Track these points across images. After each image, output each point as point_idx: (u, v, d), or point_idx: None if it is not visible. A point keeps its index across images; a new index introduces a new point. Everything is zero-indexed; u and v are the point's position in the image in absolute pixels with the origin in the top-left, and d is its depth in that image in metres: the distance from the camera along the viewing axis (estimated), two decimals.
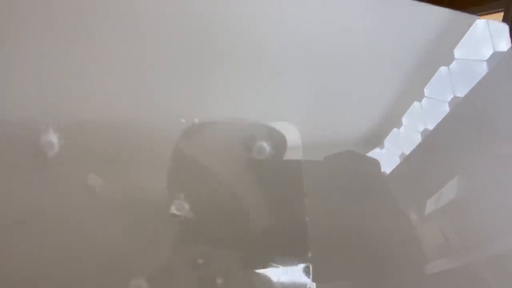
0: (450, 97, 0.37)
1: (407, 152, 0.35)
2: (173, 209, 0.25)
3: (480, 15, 2.27)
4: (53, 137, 0.23)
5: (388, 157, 0.35)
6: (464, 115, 0.38)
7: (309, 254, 0.31)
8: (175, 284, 0.25)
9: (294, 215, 0.32)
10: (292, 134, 0.31)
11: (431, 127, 0.37)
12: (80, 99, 0.25)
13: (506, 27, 0.42)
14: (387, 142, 0.35)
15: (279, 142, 0.31)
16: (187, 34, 0.27)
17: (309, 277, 0.31)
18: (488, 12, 2.23)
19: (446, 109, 0.37)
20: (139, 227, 0.25)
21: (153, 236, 0.25)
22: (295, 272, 0.31)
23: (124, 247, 0.25)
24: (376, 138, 0.34)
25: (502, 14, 2.09)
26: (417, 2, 0.38)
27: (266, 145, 0.29)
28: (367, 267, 0.35)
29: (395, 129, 0.35)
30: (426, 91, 0.37)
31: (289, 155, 0.31)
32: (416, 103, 0.36)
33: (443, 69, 0.37)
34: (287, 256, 0.31)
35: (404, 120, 0.36)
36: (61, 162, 0.24)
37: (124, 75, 0.26)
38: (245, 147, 0.28)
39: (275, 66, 0.31)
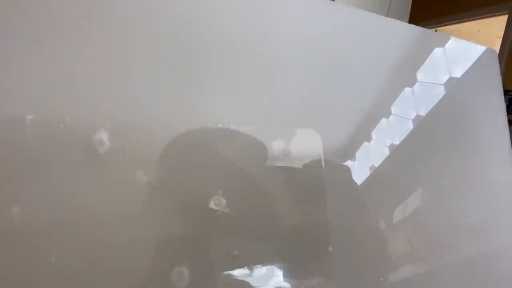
0: (413, 115, 0.40)
1: (377, 164, 0.38)
2: (212, 204, 0.27)
3: (484, 17, 2.28)
4: (104, 136, 0.25)
5: (359, 169, 0.37)
6: (427, 131, 0.41)
7: (330, 248, 0.34)
8: (213, 272, 0.28)
9: (316, 212, 0.34)
10: (315, 140, 0.34)
11: (397, 142, 0.39)
12: (129, 102, 0.27)
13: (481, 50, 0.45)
14: (358, 155, 0.37)
15: (301, 146, 0.33)
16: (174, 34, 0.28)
17: (330, 270, 0.34)
18: (492, 14, 2.24)
19: (411, 126, 0.40)
20: (182, 219, 0.27)
21: (194, 228, 0.28)
22: (317, 265, 0.33)
23: (169, 238, 0.27)
24: (348, 151, 0.37)
25: (506, 16, 2.11)
26: (388, 19, 0.40)
27: (291, 149, 0.32)
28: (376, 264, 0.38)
29: (365, 143, 0.38)
30: (393, 109, 0.40)
31: (311, 158, 0.34)
32: (384, 120, 0.39)
33: (407, 90, 0.40)
34: (311, 250, 0.33)
35: (374, 135, 0.38)
36: (111, 159, 0.26)
37: (168, 81, 0.28)
38: (273, 150, 0.31)
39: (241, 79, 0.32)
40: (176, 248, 0.27)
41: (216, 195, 0.27)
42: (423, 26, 2.26)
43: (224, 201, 0.28)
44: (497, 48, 2.24)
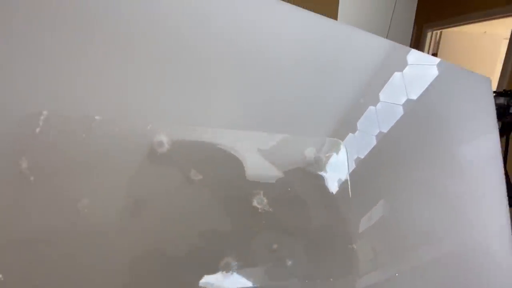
0: (376, 131, 0.42)
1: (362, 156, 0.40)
2: (255, 202, 0.31)
3: (491, 19, 2.28)
4: (164, 138, 0.29)
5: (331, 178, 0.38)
6: (392, 145, 0.43)
7: (354, 246, 0.37)
8: (256, 263, 0.31)
9: (341, 213, 0.38)
10: (341, 150, 0.37)
11: (362, 156, 0.41)
12: (185, 110, 0.31)
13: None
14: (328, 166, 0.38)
15: (330, 154, 0.37)
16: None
17: (356, 266, 0.37)
18: (499, 16, 2.25)
19: (374, 141, 0.42)
20: (229, 216, 0.31)
21: (240, 224, 0.31)
22: (343, 260, 0.37)
23: (218, 232, 0.30)
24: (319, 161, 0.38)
25: None
26: (363, 33, 0.41)
27: (322, 156, 0.35)
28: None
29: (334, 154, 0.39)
30: (359, 125, 0.41)
31: (337, 166, 0.37)
32: (351, 135, 0.41)
33: (372, 108, 0.41)
34: (337, 246, 0.37)
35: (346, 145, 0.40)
36: (168, 159, 0.29)
37: (218, 89, 0.32)
38: (305, 157, 0.35)
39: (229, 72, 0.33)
40: (224, 241, 0.30)
41: (258, 195, 0.31)
42: (429, 27, 2.26)
43: (266, 200, 0.31)
44: (503, 50, 2.25)
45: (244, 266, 0.30)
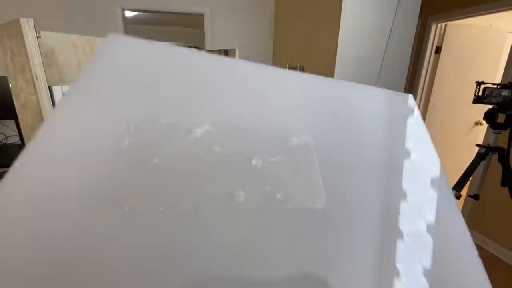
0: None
1: None
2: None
3: (496, 11, 2.25)
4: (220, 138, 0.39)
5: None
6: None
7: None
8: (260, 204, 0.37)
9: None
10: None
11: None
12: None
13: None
14: None
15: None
16: None
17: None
18: (504, 8, 2.22)
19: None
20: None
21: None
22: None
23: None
24: None
25: None
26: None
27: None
28: None
29: None
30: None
31: None
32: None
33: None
34: None
35: None
36: (227, 156, 0.38)
37: None
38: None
39: None
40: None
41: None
42: (434, 20, 2.24)
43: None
44: (508, 43, 2.23)
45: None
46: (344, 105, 0.48)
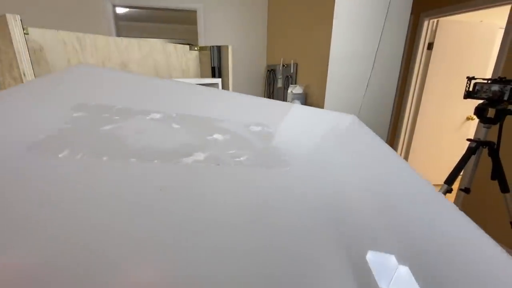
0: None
1: None
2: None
3: (487, 7, 2.28)
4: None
5: None
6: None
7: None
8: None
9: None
10: None
11: None
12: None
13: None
14: None
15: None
16: None
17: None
18: (495, 4, 2.25)
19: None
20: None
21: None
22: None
23: None
24: None
25: (509, 7, 2.12)
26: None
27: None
28: None
29: None
30: None
31: None
32: None
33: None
34: None
35: None
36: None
37: None
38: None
39: None
40: None
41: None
42: (426, 16, 2.26)
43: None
44: (499, 39, 2.26)
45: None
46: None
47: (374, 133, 0.59)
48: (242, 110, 0.59)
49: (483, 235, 0.33)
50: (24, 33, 0.86)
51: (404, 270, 0.26)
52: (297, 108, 0.66)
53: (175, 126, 0.46)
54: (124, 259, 0.23)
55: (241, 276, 0.23)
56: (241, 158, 0.41)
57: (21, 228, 0.24)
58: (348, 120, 0.64)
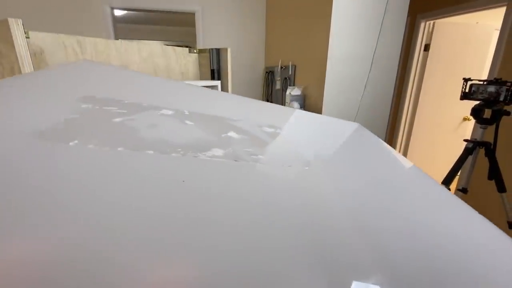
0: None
1: None
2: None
3: (482, 9, 2.30)
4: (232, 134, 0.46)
5: None
6: None
7: None
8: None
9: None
10: None
11: None
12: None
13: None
14: None
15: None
16: None
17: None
18: (490, 6, 2.28)
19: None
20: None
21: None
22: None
23: None
24: None
25: (504, 8, 2.14)
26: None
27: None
28: None
29: None
30: None
31: None
32: None
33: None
34: None
35: None
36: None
37: None
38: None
39: None
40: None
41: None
42: (422, 18, 2.28)
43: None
44: (494, 40, 2.29)
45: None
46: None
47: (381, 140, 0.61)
48: (251, 112, 0.59)
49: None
50: (25, 37, 0.87)
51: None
52: (303, 114, 0.67)
53: (189, 123, 0.46)
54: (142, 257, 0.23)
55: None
56: (259, 156, 0.41)
57: (36, 218, 0.24)
58: (353, 128, 0.65)
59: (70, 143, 0.33)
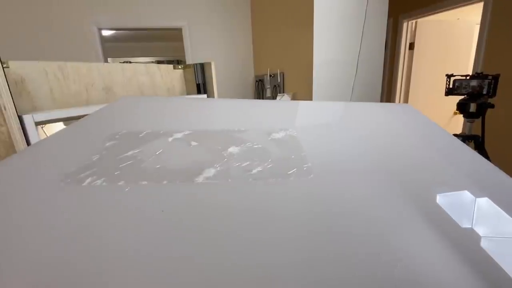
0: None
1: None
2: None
3: (462, 5, 2.35)
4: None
5: None
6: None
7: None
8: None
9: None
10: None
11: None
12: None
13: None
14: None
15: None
16: None
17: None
18: (469, 3, 2.33)
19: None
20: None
21: None
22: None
23: None
24: None
25: (482, 4, 2.19)
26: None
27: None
28: None
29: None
30: None
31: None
32: None
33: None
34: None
35: None
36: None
37: None
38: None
39: None
40: None
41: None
42: (404, 18, 2.31)
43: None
44: (476, 35, 2.32)
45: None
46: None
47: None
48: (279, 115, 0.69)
49: None
50: (4, 67, 0.88)
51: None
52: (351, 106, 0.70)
53: (193, 143, 0.50)
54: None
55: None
56: (253, 171, 0.43)
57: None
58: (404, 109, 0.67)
59: (82, 184, 0.39)
